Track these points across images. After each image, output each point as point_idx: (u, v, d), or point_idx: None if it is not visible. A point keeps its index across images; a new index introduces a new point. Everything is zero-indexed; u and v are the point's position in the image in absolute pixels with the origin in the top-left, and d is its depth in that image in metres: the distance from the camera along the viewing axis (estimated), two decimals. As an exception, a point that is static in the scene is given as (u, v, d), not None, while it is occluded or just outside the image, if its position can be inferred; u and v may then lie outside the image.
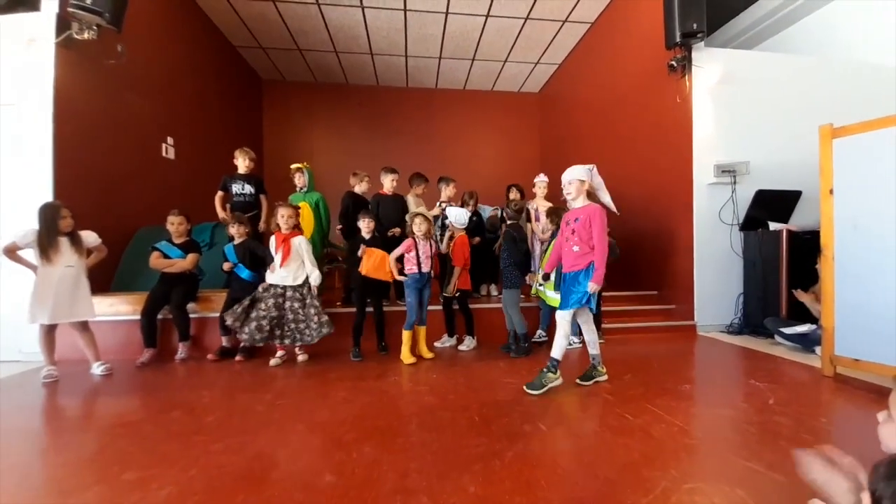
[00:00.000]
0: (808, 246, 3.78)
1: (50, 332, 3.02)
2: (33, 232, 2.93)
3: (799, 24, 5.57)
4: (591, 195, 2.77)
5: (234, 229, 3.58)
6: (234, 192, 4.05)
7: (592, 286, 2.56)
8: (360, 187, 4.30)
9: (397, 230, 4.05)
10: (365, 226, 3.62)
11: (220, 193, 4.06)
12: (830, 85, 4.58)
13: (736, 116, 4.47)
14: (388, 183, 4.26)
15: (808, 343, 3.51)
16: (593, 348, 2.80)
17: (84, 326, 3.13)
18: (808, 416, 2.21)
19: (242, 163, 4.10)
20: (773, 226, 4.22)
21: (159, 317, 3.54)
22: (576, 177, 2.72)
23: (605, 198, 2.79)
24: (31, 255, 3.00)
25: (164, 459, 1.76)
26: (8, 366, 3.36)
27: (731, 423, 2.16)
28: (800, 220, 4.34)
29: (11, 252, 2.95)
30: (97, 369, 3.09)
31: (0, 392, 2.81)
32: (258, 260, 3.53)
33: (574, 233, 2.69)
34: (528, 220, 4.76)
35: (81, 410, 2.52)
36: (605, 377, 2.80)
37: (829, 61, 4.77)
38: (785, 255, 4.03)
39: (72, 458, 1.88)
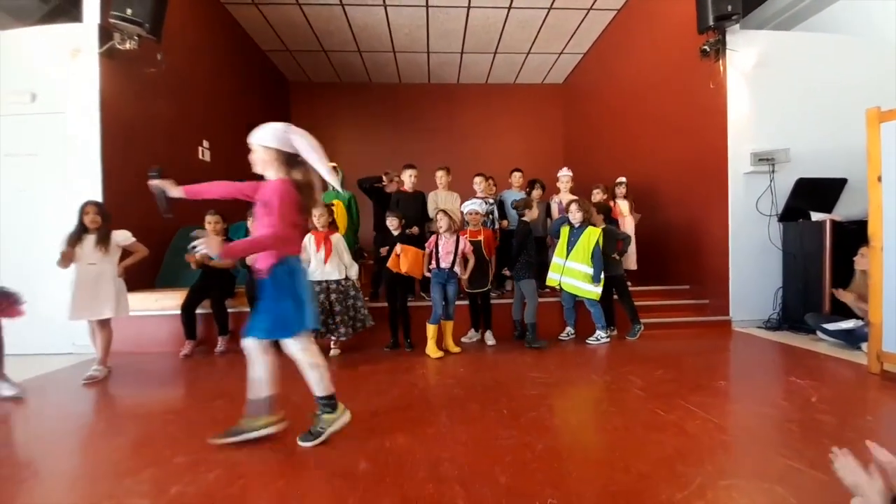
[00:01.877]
0: (853, 237, 3.58)
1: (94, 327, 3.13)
2: (67, 234, 3.03)
3: (841, 3, 5.24)
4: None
5: (251, 222, 3.72)
6: None
7: (215, 250, 1.64)
8: (390, 187, 4.39)
9: (415, 229, 4.09)
10: (391, 224, 3.70)
11: None
12: (877, 66, 4.31)
13: (774, 102, 4.27)
14: (407, 179, 4.30)
15: (853, 340, 3.34)
16: (262, 389, 1.99)
17: (103, 324, 3.10)
18: (852, 415, 2.12)
19: None
20: (815, 216, 4.02)
21: (201, 311, 3.72)
22: (258, 142, 1.82)
23: (320, 168, 1.84)
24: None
25: (211, 445, 1.87)
26: (62, 358, 3.62)
27: (771, 421, 2.09)
28: (845, 209, 4.11)
29: (66, 259, 2.98)
30: (92, 370, 3.01)
31: (56, 382, 3.05)
32: None
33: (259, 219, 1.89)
34: (549, 215, 4.73)
35: (132, 399, 2.70)
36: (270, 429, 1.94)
37: (875, 41, 4.47)
38: (828, 247, 3.83)
39: (125, 442, 2.02)
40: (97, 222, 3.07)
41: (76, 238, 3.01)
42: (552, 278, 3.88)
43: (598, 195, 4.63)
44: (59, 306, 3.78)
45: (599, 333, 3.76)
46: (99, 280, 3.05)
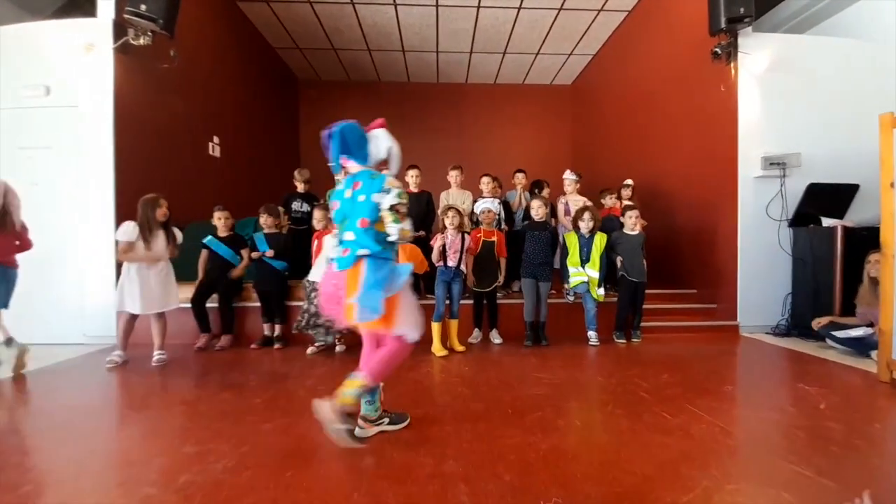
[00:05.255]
0: (865, 243, 3.54)
1: (133, 319, 3.15)
2: (134, 225, 3.07)
3: (855, 6, 5.17)
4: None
5: (263, 219, 3.78)
6: (293, 209, 4.36)
7: None
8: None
9: (422, 233, 4.11)
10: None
11: (281, 209, 4.28)
12: (891, 71, 4.24)
13: (786, 105, 4.22)
14: (409, 180, 4.33)
15: (862, 347, 3.30)
16: None
17: (160, 315, 3.22)
18: (861, 422, 2.10)
19: (300, 182, 4.45)
20: (826, 222, 3.97)
21: (209, 305, 3.75)
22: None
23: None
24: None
25: (219, 436, 1.89)
26: (74, 348, 3.66)
27: (778, 427, 2.08)
28: (857, 215, 4.07)
29: (126, 253, 3.06)
30: (155, 356, 3.19)
31: (68, 372, 3.08)
32: (288, 252, 3.77)
33: None
34: (554, 215, 4.72)
35: (143, 390, 2.72)
36: None
37: (889, 46, 4.40)
38: (839, 253, 3.79)
39: (135, 432, 2.06)
40: (167, 215, 3.20)
41: (155, 234, 3.11)
42: (576, 281, 3.79)
43: (610, 201, 4.62)
44: (71, 298, 3.87)
45: (591, 334, 3.78)
46: (166, 274, 3.21)
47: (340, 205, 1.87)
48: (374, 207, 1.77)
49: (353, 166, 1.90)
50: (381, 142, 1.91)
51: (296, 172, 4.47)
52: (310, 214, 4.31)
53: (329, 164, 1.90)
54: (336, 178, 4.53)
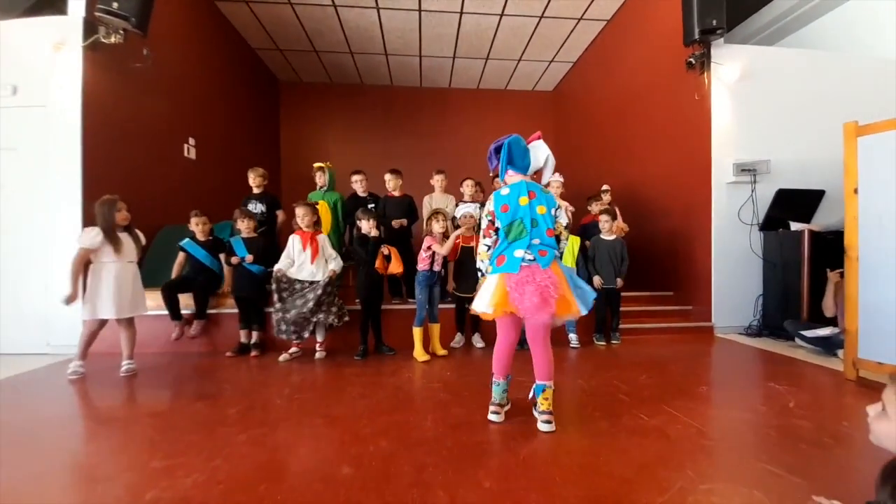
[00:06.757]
0: (831, 247, 3.69)
1: (100, 327, 3.03)
2: (98, 230, 2.92)
3: (822, 20, 5.43)
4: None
5: (242, 224, 3.72)
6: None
7: None
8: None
9: (404, 221, 4.11)
10: (367, 226, 3.48)
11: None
12: (855, 82, 4.45)
13: (756, 114, 4.38)
14: (389, 184, 4.33)
15: (829, 346, 3.43)
16: None
17: (130, 323, 3.11)
18: (829, 420, 2.17)
19: (253, 182, 4.28)
20: (794, 226, 4.13)
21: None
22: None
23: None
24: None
25: (190, 449, 1.82)
26: (37, 358, 3.49)
27: (750, 426, 2.13)
28: (823, 220, 4.24)
29: (84, 261, 2.91)
30: (124, 366, 3.06)
31: (31, 383, 2.94)
32: (267, 256, 3.68)
33: None
34: None
35: (109, 401, 2.61)
36: None
37: (854, 57, 4.63)
38: (807, 255, 3.94)
39: (101, 446, 1.97)
40: (128, 218, 3.10)
41: (118, 237, 2.99)
42: None
43: (597, 207, 4.69)
44: (36, 305, 3.70)
45: (572, 336, 3.82)
46: (135, 277, 3.11)
47: (511, 209, 2.09)
48: (553, 220, 2.11)
49: (512, 176, 2.16)
50: (541, 152, 2.17)
51: (249, 172, 4.28)
52: (266, 215, 4.24)
53: (489, 175, 2.24)
54: (316, 181, 4.47)
